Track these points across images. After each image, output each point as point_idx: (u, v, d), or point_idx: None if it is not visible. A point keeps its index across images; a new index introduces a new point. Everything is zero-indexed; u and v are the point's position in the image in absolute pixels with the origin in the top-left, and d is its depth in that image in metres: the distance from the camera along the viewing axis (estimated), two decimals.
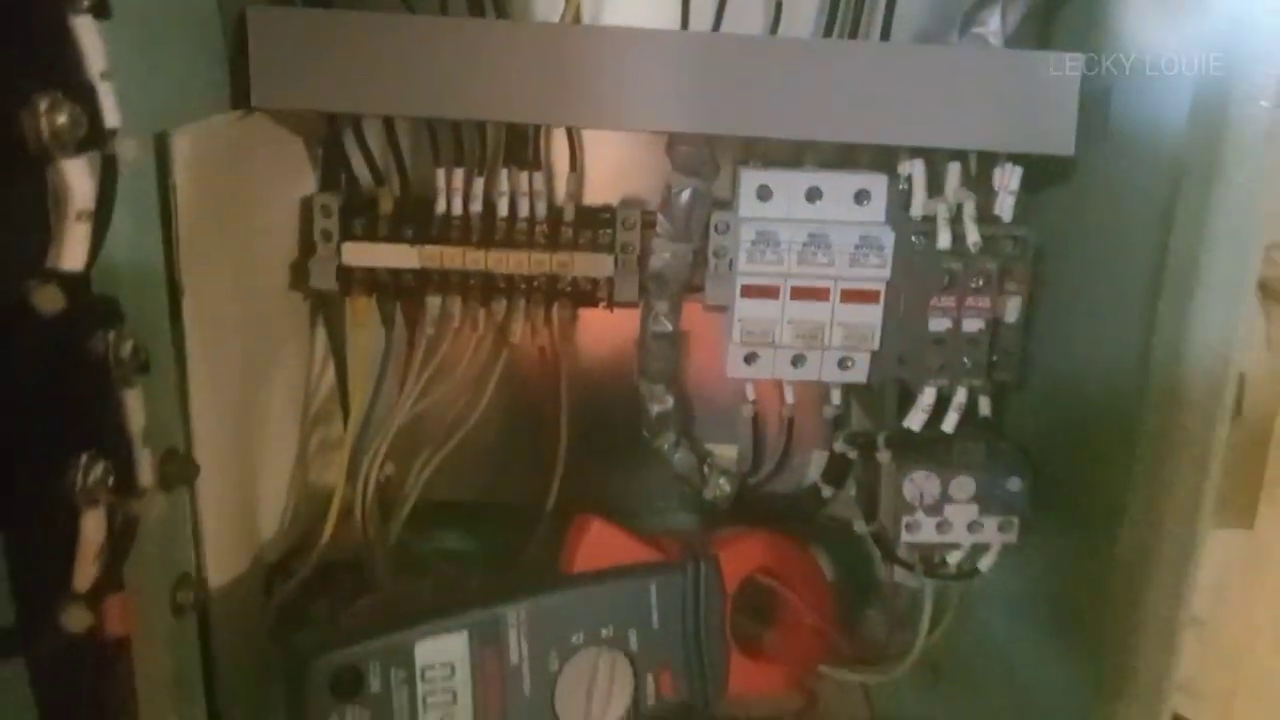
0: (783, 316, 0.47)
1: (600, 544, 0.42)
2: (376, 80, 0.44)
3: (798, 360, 0.49)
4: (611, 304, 0.51)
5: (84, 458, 0.23)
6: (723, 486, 0.55)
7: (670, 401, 0.53)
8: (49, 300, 0.21)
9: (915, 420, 0.45)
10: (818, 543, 0.57)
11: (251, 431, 0.47)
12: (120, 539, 0.25)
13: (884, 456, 0.46)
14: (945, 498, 0.45)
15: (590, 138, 0.52)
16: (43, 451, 0.22)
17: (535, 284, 0.51)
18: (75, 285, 0.22)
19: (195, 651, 0.38)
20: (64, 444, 0.23)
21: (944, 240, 0.43)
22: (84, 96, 0.21)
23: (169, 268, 0.35)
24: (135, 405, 0.25)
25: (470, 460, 0.54)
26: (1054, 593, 0.47)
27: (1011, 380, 0.46)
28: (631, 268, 0.50)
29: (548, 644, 0.39)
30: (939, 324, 0.43)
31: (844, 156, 0.49)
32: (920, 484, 0.45)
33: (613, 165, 0.53)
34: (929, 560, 0.48)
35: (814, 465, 0.56)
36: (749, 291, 0.47)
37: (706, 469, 0.55)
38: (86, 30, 0.21)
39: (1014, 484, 0.44)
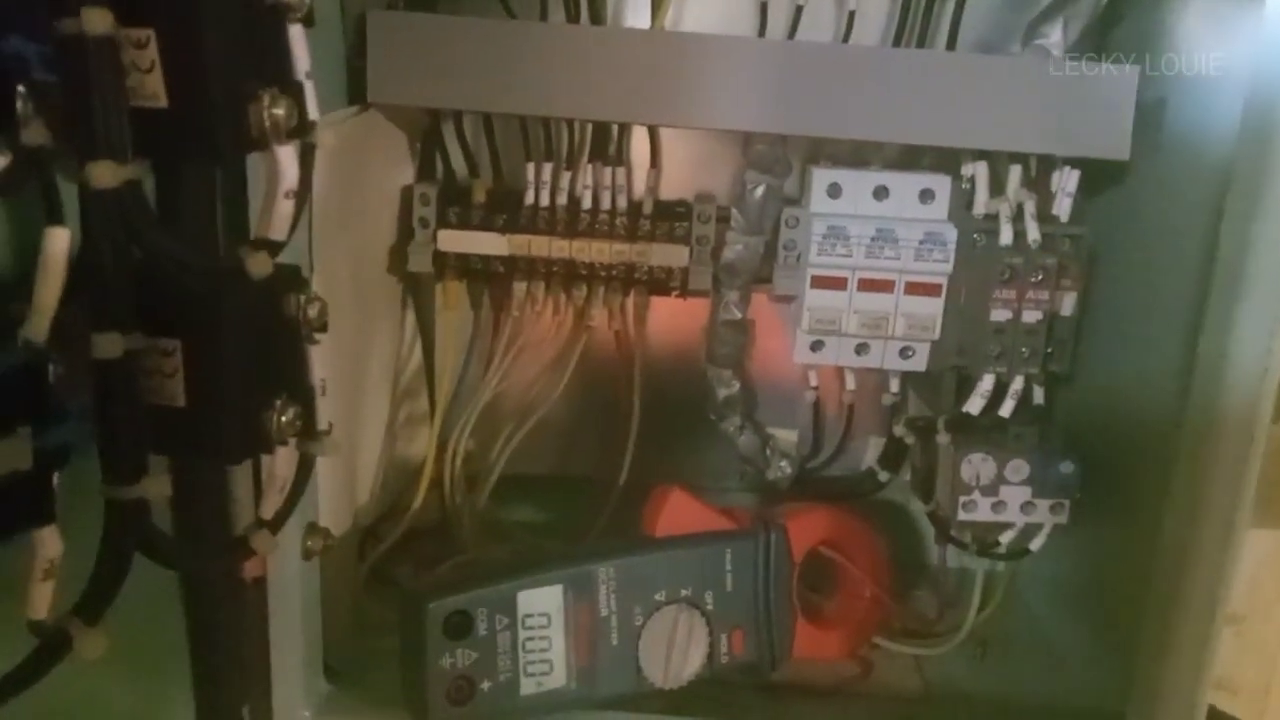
0: (850, 306, 0.51)
1: (680, 511, 0.45)
2: (478, 79, 0.47)
3: (861, 348, 0.52)
4: (685, 292, 0.54)
5: (279, 401, 0.26)
6: (784, 468, 0.58)
7: (736, 386, 0.57)
8: (260, 265, 0.25)
9: (974, 405, 0.48)
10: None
11: (352, 402, 0.51)
12: (301, 476, 0.28)
13: (943, 439, 0.49)
14: (1001, 479, 0.48)
15: (668, 136, 0.56)
16: (249, 394, 0.26)
17: (614, 272, 0.54)
18: (277, 253, 0.26)
19: (316, 593, 0.42)
20: (266, 388, 0.26)
21: (1006, 237, 0.46)
22: (294, 92, 0.25)
23: (309, 247, 0.39)
24: (316, 359, 0.29)
25: (549, 437, 0.58)
26: (1098, 580, 0.50)
27: (1064, 371, 0.49)
28: (705, 259, 0.54)
29: (633, 600, 0.43)
30: (1000, 315, 0.47)
31: (908, 158, 0.53)
32: (977, 465, 0.48)
33: (689, 162, 0.56)
34: (983, 540, 0.51)
35: (871, 450, 0.59)
36: (819, 282, 0.50)
37: (769, 451, 0.58)
38: (297, 36, 0.25)
39: (1066, 468, 0.47)
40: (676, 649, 0.43)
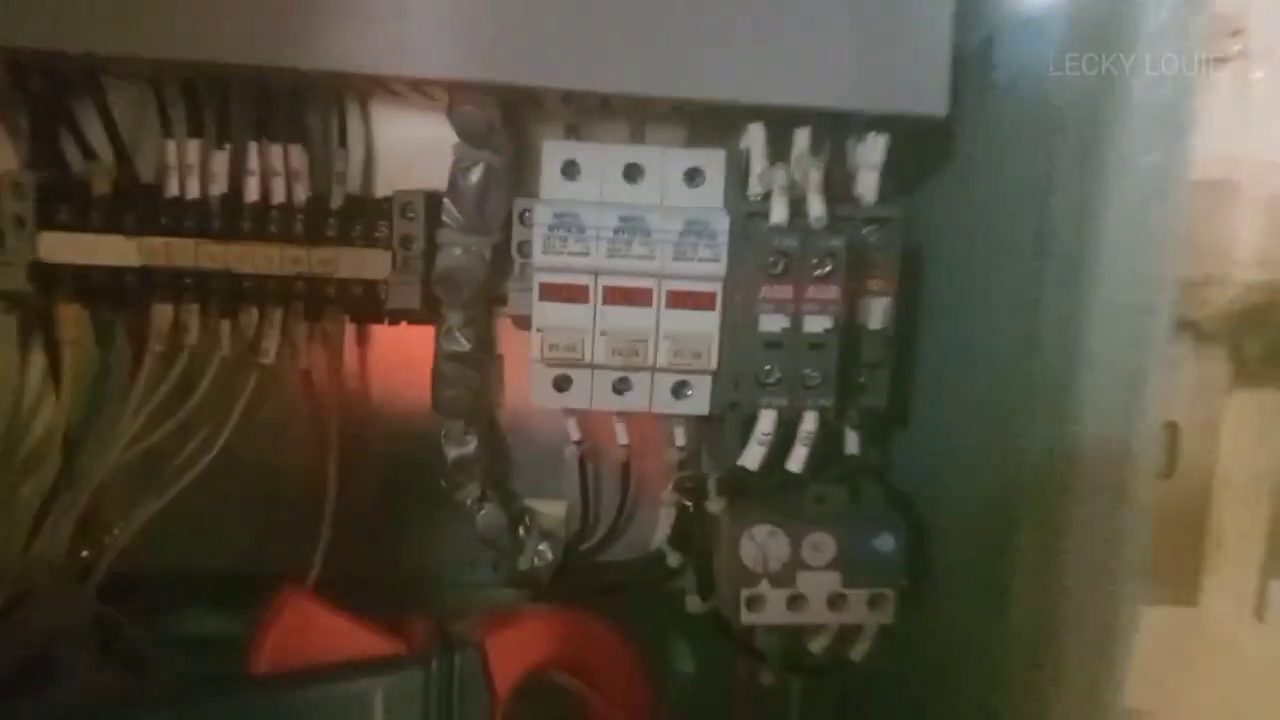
0: (594, 326, 0.37)
1: (301, 630, 0.30)
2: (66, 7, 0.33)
3: (621, 385, 0.38)
4: (389, 314, 0.40)
5: None
6: (543, 554, 0.44)
7: (473, 443, 0.42)
8: None
9: (751, 456, 0.34)
10: (674, 627, 0.46)
11: None
12: None
13: (716, 506, 0.35)
14: (797, 562, 0.34)
15: (380, 108, 0.42)
16: None
17: (294, 289, 0.40)
18: None
19: None
20: None
21: (778, 214, 0.32)
22: None
23: None
24: None
25: (212, 516, 0.43)
26: (951, 690, 0.36)
27: (880, 406, 0.36)
28: (413, 267, 0.40)
29: None
30: (772, 322, 0.33)
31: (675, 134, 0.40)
32: (763, 543, 0.34)
33: (401, 143, 0.43)
34: (787, 650, 0.37)
35: (661, 525, 0.45)
36: (550, 292, 0.37)
37: (523, 530, 0.44)
38: None
39: (885, 543, 0.33)
40: None
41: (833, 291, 0.32)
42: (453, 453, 0.42)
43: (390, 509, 0.44)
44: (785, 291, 0.32)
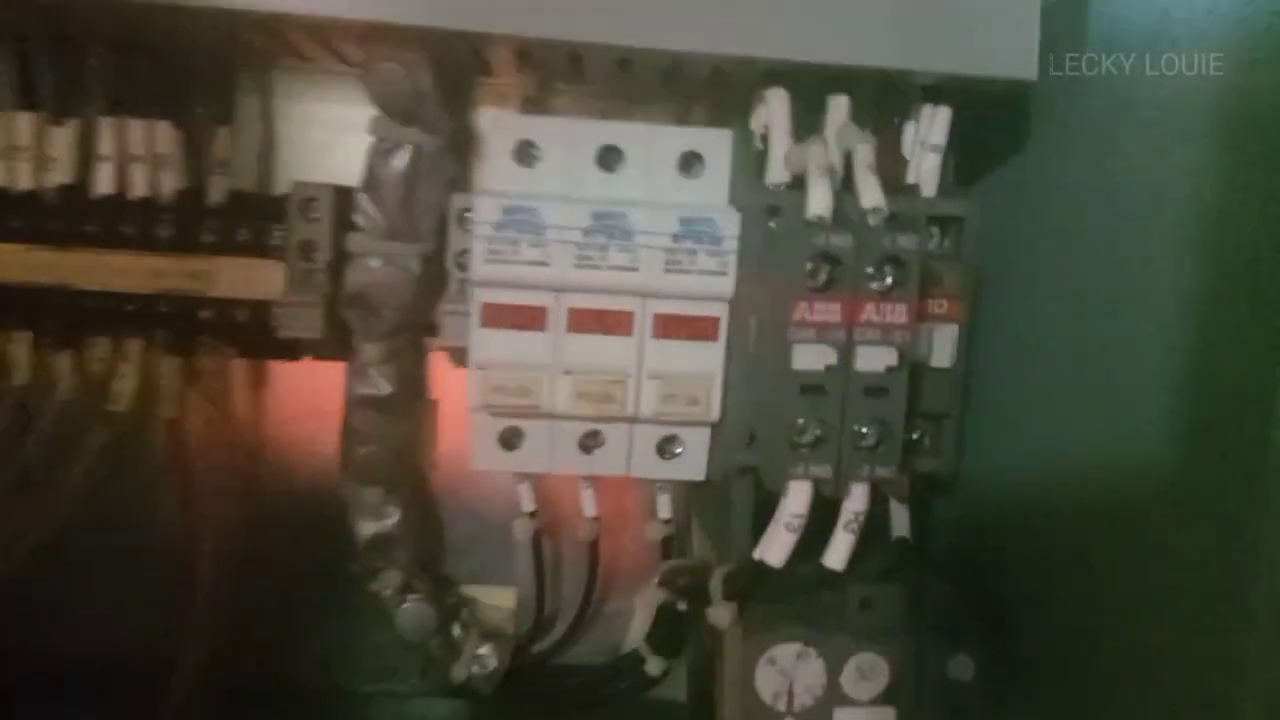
0: (555, 361, 0.27)
1: None
2: None
3: (590, 441, 0.29)
4: (282, 346, 0.31)
5: None
6: (484, 659, 0.34)
7: (394, 517, 0.32)
8: None
9: (775, 549, 0.24)
10: None
11: None
12: None
13: (721, 616, 0.25)
14: (836, 695, 0.24)
15: (278, 81, 0.33)
16: None
17: (157, 312, 0.30)
18: None
19: None
20: None
21: (819, 202, 0.23)
22: None
23: None
24: None
25: (59, 601, 0.32)
26: None
27: (946, 473, 0.26)
28: (315, 283, 0.30)
29: None
30: (811, 356, 0.23)
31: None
32: (789, 668, 0.24)
33: (308, 125, 0.33)
34: None
35: (637, 622, 0.35)
36: (495, 316, 0.27)
37: (458, 629, 0.34)
38: None
39: (961, 667, 0.24)
40: None
41: (900, 313, 0.23)
42: (367, 529, 0.32)
43: (289, 602, 0.34)
44: (830, 312, 0.22)
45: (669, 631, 0.33)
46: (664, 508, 0.33)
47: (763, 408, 0.25)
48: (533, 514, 0.33)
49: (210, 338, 0.31)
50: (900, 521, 0.27)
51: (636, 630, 0.34)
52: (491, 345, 0.27)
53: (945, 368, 0.25)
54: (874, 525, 0.27)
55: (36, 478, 0.31)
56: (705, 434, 0.29)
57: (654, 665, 0.34)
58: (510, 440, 0.29)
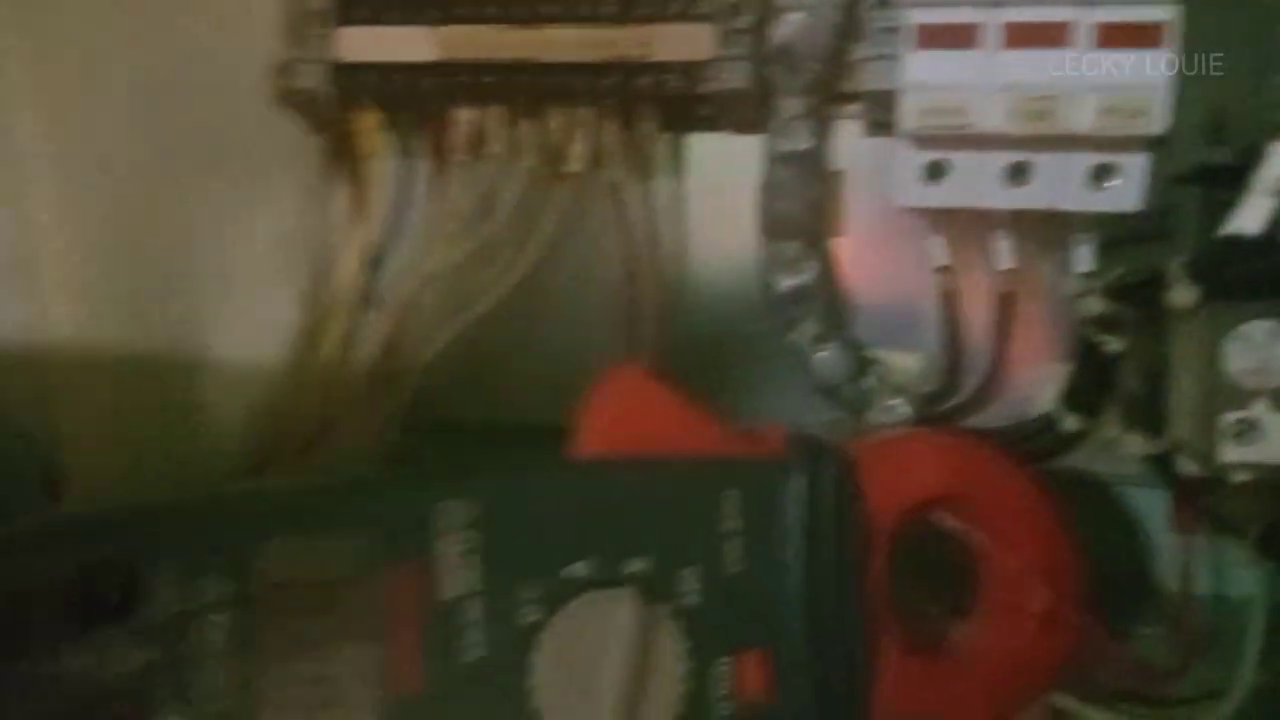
0: (989, 79, 0.28)
1: (636, 413, 0.24)
2: None
3: (1017, 173, 0.29)
4: (710, 103, 0.33)
5: None
6: (893, 409, 0.35)
7: (812, 271, 0.35)
8: None
9: (1251, 216, 0.23)
10: None
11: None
12: None
13: (1185, 295, 0.24)
14: None
15: None
16: None
17: (603, 82, 0.34)
18: None
19: None
20: None
21: None
22: None
23: None
24: None
25: (506, 357, 0.38)
26: None
27: None
28: (740, 42, 0.32)
29: (520, 573, 0.21)
30: None
31: None
32: (1261, 345, 0.23)
33: None
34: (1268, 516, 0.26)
35: (1050, 381, 0.35)
36: (929, 37, 0.28)
37: (870, 382, 0.36)
38: None
39: None
40: (613, 678, 0.21)
41: None
42: (785, 283, 0.35)
43: (705, 348, 0.37)
44: None
45: (1084, 383, 0.33)
46: (1083, 256, 0.32)
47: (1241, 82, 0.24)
48: (945, 268, 0.34)
49: (647, 106, 0.35)
50: None
51: (1048, 389, 0.35)
52: (925, 67, 0.28)
53: None
54: None
55: (505, 234, 0.36)
56: (1142, 160, 0.28)
57: (1069, 423, 0.34)
58: (935, 173, 0.30)
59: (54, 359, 0.28)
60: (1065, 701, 0.28)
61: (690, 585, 0.22)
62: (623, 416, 0.23)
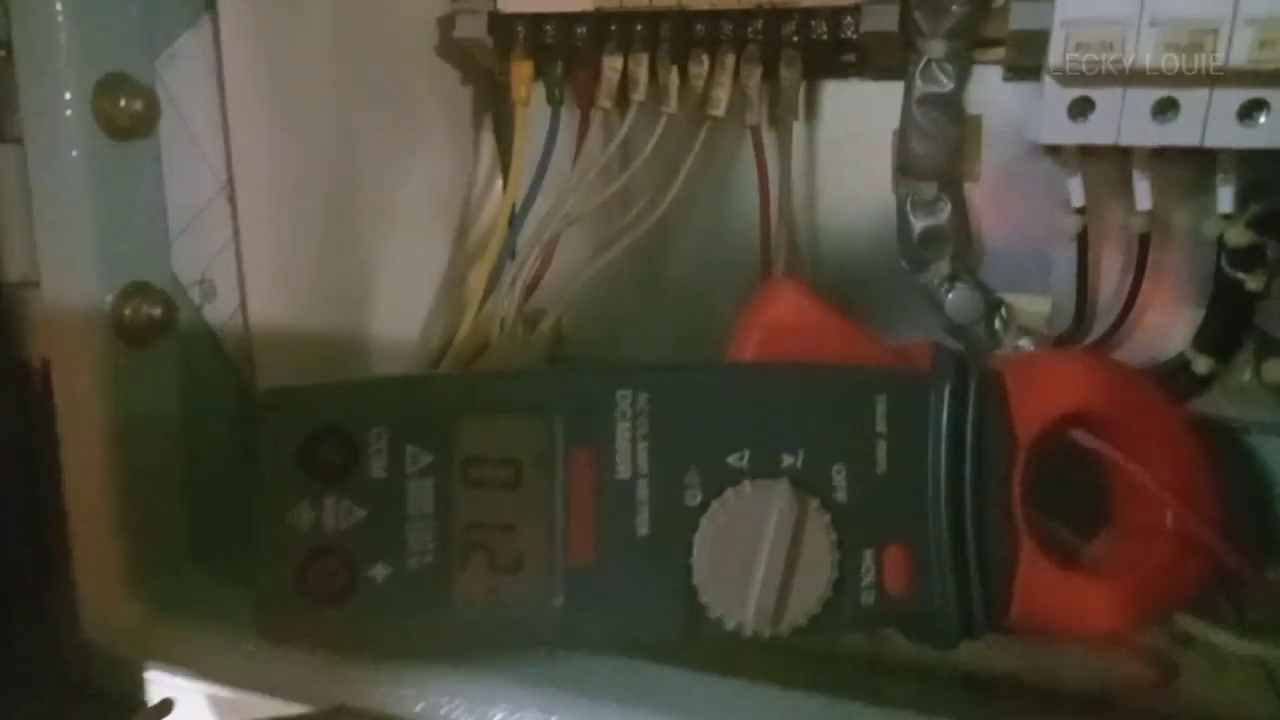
0: (1141, 13, 0.28)
1: (790, 323, 0.25)
2: None
3: (1165, 108, 0.30)
4: (856, 47, 0.35)
5: None
6: (1024, 350, 0.36)
7: (946, 211, 0.36)
8: None
9: None
10: None
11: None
12: None
13: None
14: None
15: None
16: None
17: (749, 28, 0.35)
18: None
19: None
20: None
21: None
22: None
23: None
24: None
25: (642, 298, 0.40)
26: None
27: None
28: None
29: (686, 459, 0.23)
30: None
31: None
32: None
33: None
34: None
35: (1181, 324, 0.35)
36: None
37: (999, 323, 0.36)
38: None
39: None
40: (768, 563, 0.23)
41: None
42: (920, 223, 0.36)
43: (840, 286, 0.38)
44: None
45: (1224, 324, 0.33)
46: (1225, 197, 0.32)
47: None
48: (1080, 210, 0.35)
49: (795, 54, 0.36)
50: None
51: (1180, 332, 0.35)
52: (1079, 3, 0.29)
53: None
54: None
55: (645, 178, 0.38)
56: None
57: (1202, 365, 0.34)
58: (1081, 110, 0.31)
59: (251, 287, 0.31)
60: (1194, 625, 0.28)
61: (840, 481, 0.24)
62: (778, 325, 0.25)
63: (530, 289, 0.40)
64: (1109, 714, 0.26)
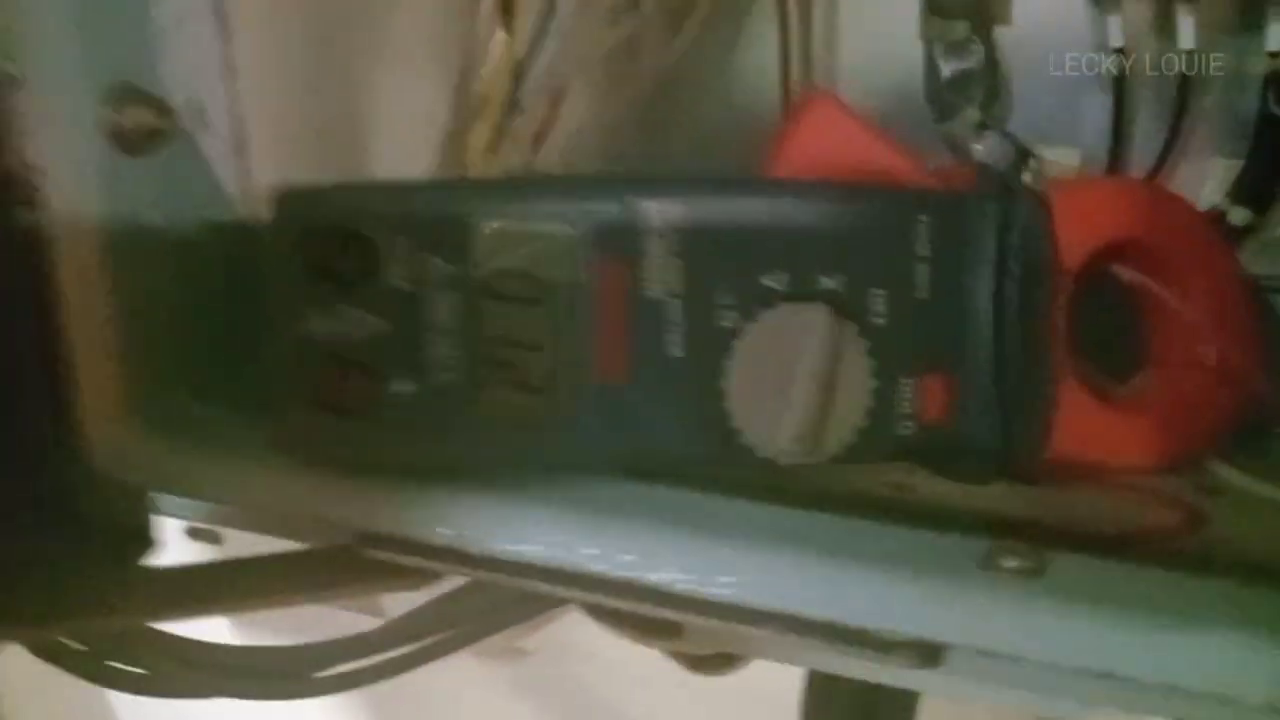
0: None
1: (827, 139, 0.24)
2: None
3: None
4: None
5: None
6: None
7: (977, 55, 0.34)
8: None
9: None
10: None
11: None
12: None
13: None
14: None
15: None
16: None
17: None
18: None
19: None
20: None
21: None
22: None
23: None
24: None
25: (653, 150, 0.38)
26: None
27: None
28: None
29: (719, 278, 0.22)
30: None
31: None
32: None
33: None
34: None
35: (1216, 177, 0.34)
36: None
37: (1028, 176, 0.35)
38: None
39: None
40: (804, 388, 0.22)
41: None
42: (950, 66, 0.34)
43: None
44: None
45: (1263, 173, 0.32)
46: (1274, 37, 0.31)
47: None
48: (1117, 52, 0.33)
49: None
50: None
51: (1215, 181, 0.34)
52: None
53: None
54: None
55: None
56: None
57: (1238, 215, 0.33)
58: None
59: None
60: (1227, 473, 0.28)
61: (880, 306, 0.23)
62: (816, 141, 0.23)
63: (536, 144, 0.38)
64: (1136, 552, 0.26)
